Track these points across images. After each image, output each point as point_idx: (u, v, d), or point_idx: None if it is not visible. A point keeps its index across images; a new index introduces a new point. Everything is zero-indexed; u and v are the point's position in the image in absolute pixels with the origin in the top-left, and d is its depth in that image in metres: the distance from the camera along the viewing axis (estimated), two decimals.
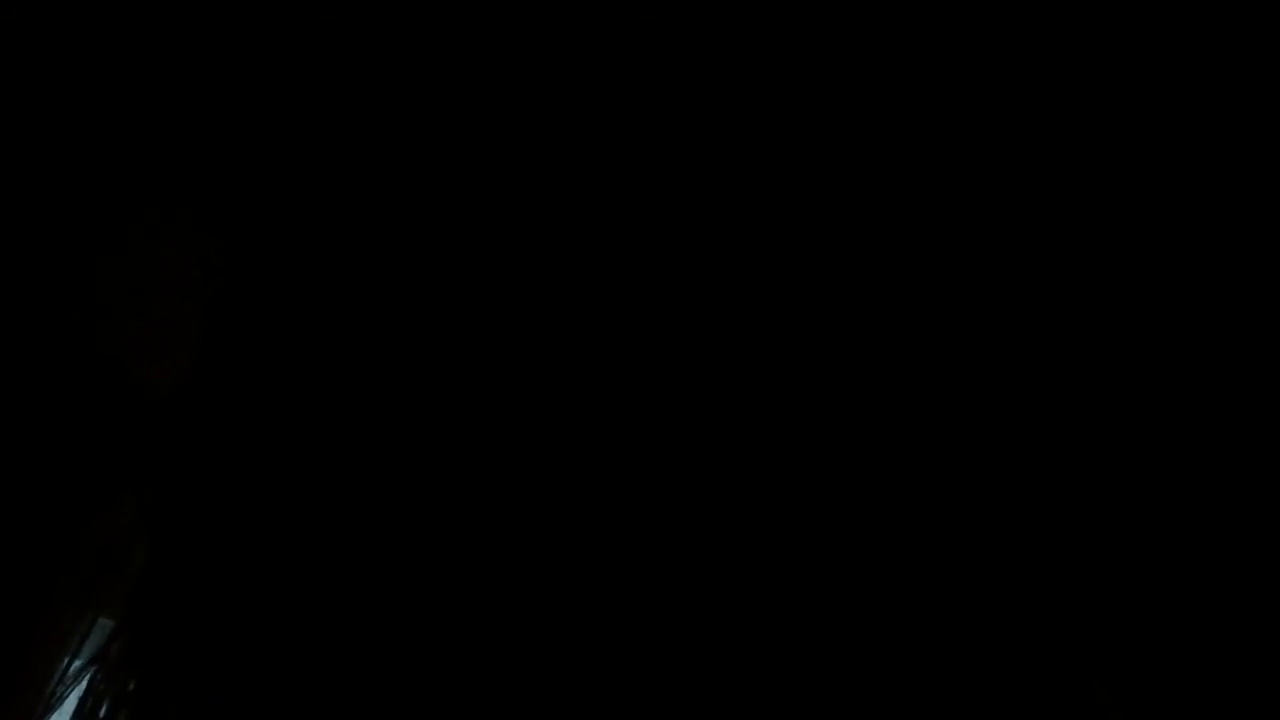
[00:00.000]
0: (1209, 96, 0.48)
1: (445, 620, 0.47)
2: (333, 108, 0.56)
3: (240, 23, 0.56)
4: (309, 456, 0.53)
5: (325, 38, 0.55)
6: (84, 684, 0.66)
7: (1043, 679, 0.42)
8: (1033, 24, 0.50)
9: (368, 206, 0.56)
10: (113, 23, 0.57)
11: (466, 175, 0.54)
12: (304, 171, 0.57)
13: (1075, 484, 0.44)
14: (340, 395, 0.52)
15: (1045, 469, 0.45)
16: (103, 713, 0.58)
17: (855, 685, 0.43)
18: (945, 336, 0.49)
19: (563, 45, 0.52)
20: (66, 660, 0.75)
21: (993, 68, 0.50)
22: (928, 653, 0.43)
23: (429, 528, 0.49)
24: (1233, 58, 0.48)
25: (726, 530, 0.47)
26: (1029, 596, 0.43)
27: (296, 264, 0.56)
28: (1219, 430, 0.43)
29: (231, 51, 0.56)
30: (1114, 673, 0.41)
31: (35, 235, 0.60)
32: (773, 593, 0.46)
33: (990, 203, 0.50)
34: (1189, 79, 0.48)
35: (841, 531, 0.47)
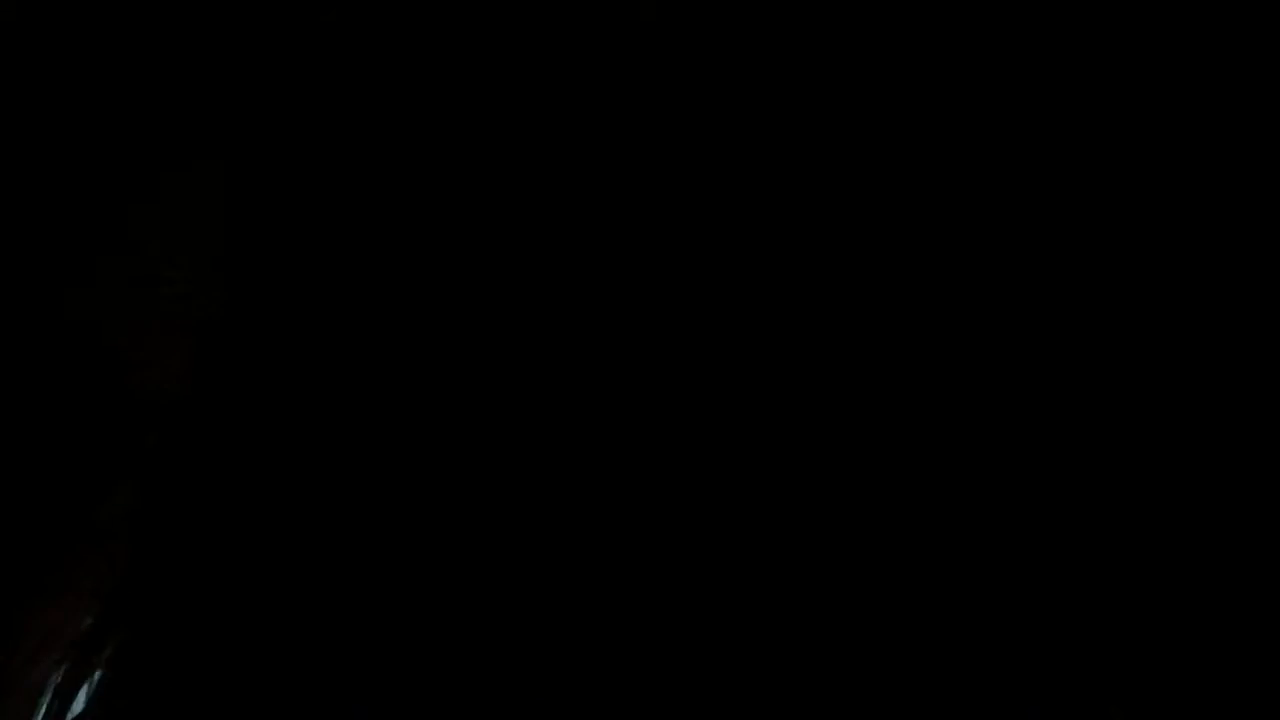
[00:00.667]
0: (1209, 97, 0.47)
1: (443, 618, 0.47)
2: (334, 107, 0.55)
3: (242, 23, 0.55)
4: (308, 452, 0.53)
5: (326, 37, 0.55)
6: (62, 674, 0.65)
7: (1058, 705, 0.42)
8: (1033, 26, 0.49)
9: (371, 206, 0.55)
10: (110, 18, 0.56)
11: (466, 174, 0.54)
12: (308, 168, 0.56)
13: (1089, 504, 0.44)
14: (343, 393, 0.52)
15: (1061, 490, 0.45)
16: (82, 705, 0.58)
17: (859, 699, 0.43)
18: (947, 337, 0.49)
19: (562, 44, 0.51)
20: (53, 654, 0.75)
21: (993, 68, 0.49)
22: (935, 671, 0.43)
23: (429, 525, 0.48)
24: (1233, 58, 0.47)
25: (726, 530, 0.47)
26: (1042, 619, 0.43)
27: (301, 263, 0.56)
28: (1231, 449, 0.43)
29: (233, 50, 0.56)
30: (1131, 701, 0.41)
31: (33, 231, 0.59)
32: (775, 603, 0.46)
33: (990, 203, 0.50)
34: (1189, 79, 0.47)
35: (846, 539, 0.46)
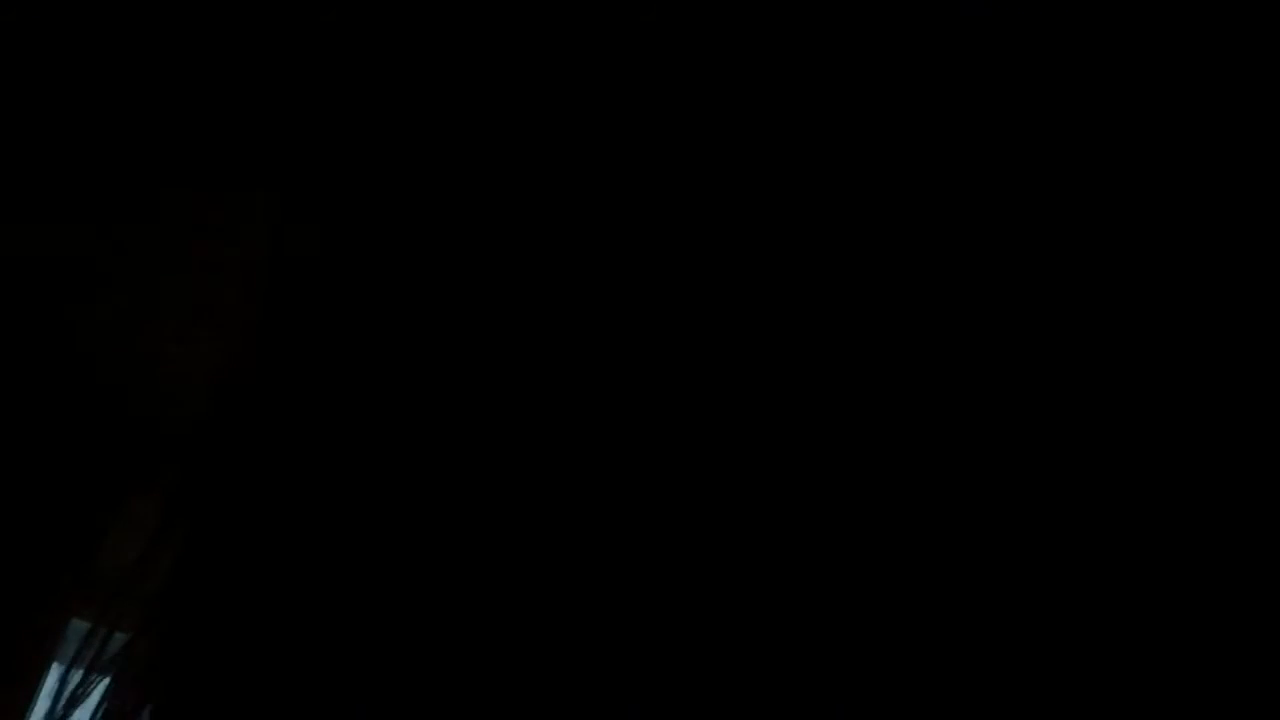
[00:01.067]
0: (1211, 107, 0.49)
1: (478, 631, 0.47)
2: (345, 115, 0.55)
3: (247, 30, 0.55)
4: (341, 470, 0.53)
5: (327, 39, 0.55)
6: (97, 697, 0.65)
7: (1042, 708, 0.43)
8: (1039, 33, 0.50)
9: (387, 218, 0.56)
10: (109, 34, 0.56)
11: (467, 176, 0.54)
12: (325, 181, 0.57)
13: (1073, 505, 0.45)
14: (377, 408, 0.53)
15: (1045, 492, 0.46)
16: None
17: (853, 694, 0.44)
18: (948, 340, 0.50)
19: (562, 44, 0.52)
20: (74, 673, 0.75)
21: (998, 75, 0.50)
22: (918, 672, 0.44)
23: (463, 543, 0.49)
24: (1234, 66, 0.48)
25: (729, 532, 0.48)
26: (1025, 620, 0.44)
27: (326, 281, 0.56)
28: (1219, 448, 0.44)
29: (242, 63, 0.56)
30: (1116, 703, 0.42)
31: (43, 245, 0.60)
32: (772, 602, 0.46)
33: (993, 209, 0.51)
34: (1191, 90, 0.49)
35: (843, 538, 0.47)
